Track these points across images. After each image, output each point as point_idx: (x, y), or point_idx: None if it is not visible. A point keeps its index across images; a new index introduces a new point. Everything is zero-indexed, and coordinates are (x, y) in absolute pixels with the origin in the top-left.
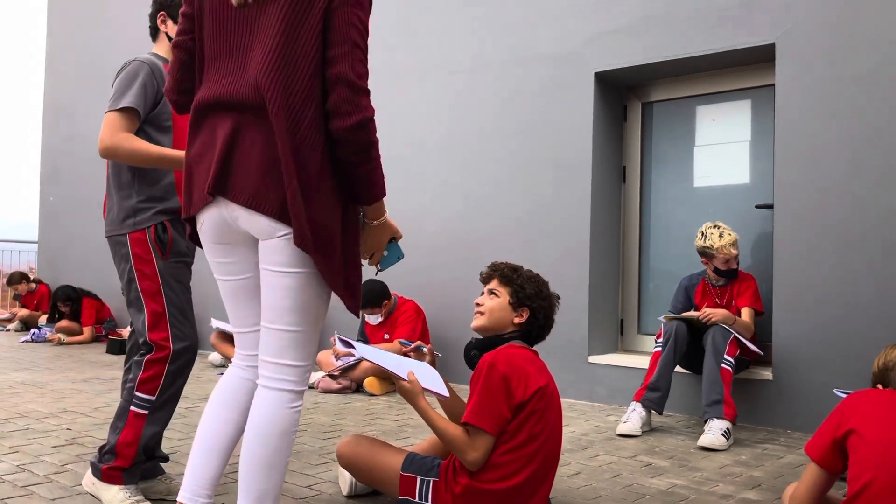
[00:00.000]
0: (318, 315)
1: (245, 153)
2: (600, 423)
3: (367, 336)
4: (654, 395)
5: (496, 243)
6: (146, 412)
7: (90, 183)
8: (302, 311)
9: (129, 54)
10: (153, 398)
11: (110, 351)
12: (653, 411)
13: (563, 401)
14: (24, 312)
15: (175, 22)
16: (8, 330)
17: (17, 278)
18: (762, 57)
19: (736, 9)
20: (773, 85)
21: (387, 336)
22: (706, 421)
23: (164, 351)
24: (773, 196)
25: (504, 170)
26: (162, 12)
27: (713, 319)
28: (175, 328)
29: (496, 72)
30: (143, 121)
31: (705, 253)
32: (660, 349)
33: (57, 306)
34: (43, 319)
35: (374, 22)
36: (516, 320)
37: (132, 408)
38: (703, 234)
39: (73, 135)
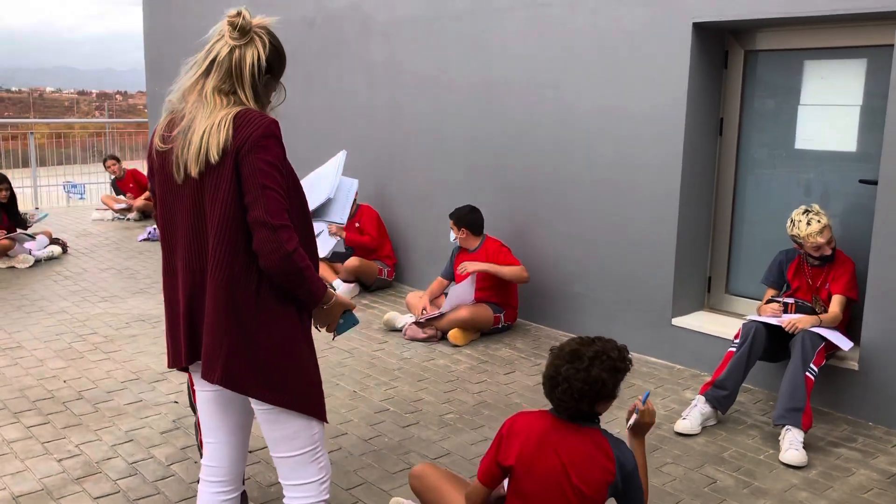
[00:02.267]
0: (312, 435)
1: (200, 320)
2: (676, 402)
3: (453, 267)
4: (720, 392)
5: (582, 190)
6: None
7: None
8: (293, 438)
9: None
10: None
11: None
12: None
13: (642, 358)
14: (139, 202)
15: None
16: (128, 219)
17: (108, 157)
18: (884, 13)
19: None
20: (893, 45)
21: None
22: (782, 427)
23: None
24: (880, 172)
25: (593, 113)
26: None
27: (799, 327)
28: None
29: (588, 9)
30: None
31: (794, 240)
32: (734, 349)
33: None
34: None
35: None
36: None
37: None
38: (792, 220)
39: (171, 25)
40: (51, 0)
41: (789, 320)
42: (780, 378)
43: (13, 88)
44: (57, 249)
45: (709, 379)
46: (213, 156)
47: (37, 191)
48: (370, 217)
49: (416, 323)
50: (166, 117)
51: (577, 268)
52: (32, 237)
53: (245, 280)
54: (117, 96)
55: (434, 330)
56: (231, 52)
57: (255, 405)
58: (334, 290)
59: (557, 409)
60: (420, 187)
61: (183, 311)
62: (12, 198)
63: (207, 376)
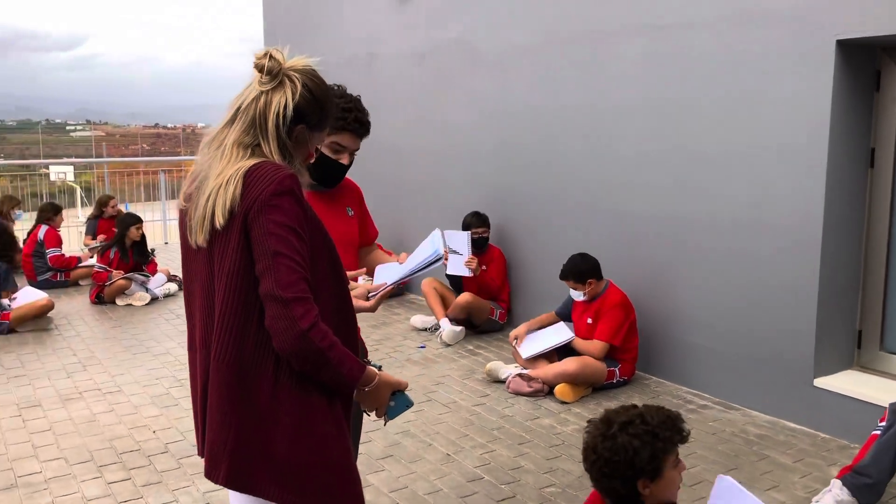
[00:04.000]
0: None
1: (209, 409)
2: (818, 481)
3: (569, 312)
4: (861, 480)
5: (707, 231)
6: None
7: None
8: None
9: None
10: None
11: None
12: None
13: (778, 423)
14: None
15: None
16: None
17: None
18: None
19: None
20: None
21: (589, 321)
22: None
23: None
24: None
25: (718, 145)
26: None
27: None
28: None
29: (714, 31)
30: None
31: None
32: (878, 433)
33: None
34: None
35: None
36: None
37: None
38: None
39: None
40: (201, 41)
41: None
42: None
43: (169, 125)
44: (174, 287)
45: (851, 460)
46: (219, 219)
47: (166, 224)
48: (499, 261)
49: (521, 375)
50: (191, 172)
51: (704, 317)
52: (148, 277)
53: (257, 364)
54: None
55: (540, 384)
56: (257, 98)
57: None
58: (378, 366)
59: (598, 489)
60: (531, 227)
61: (200, 394)
62: (143, 237)
63: (211, 475)
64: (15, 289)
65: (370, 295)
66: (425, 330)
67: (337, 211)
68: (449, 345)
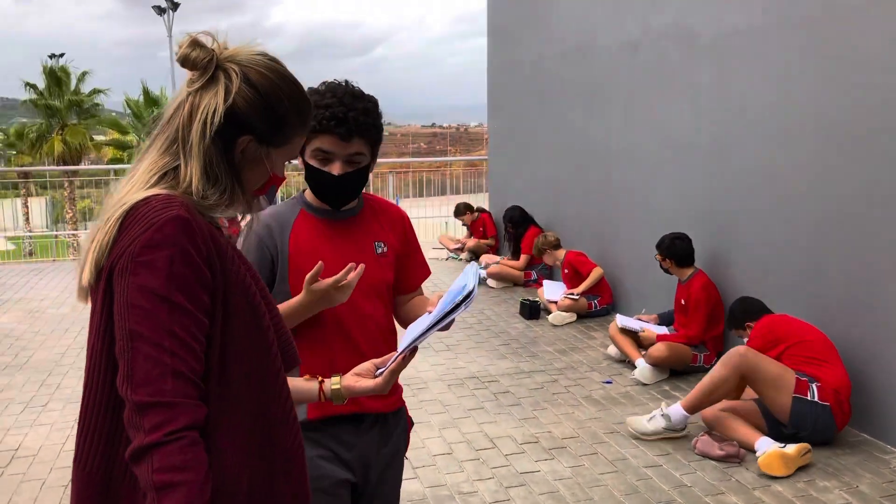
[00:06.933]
0: None
1: None
2: None
3: None
4: None
5: None
6: None
7: (529, 108)
8: None
9: None
10: None
11: (521, 313)
12: None
13: None
14: (472, 242)
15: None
16: (461, 259)
17: (461, 209)
18: None
19: None
20: None
21: None
22: None
23: None
24: None
25: None
26: None
27: None
28: None
29: None
30: None
31: None
32: None
33: (506, 227)
34: (485, 259)
35: None
36: None
37: None
38: None
39: (514, 59)
40: (469, 43)
41: None
42: None
43: (444, 125)
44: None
45: None
46: (84, 275)
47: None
48: (706, 293)
49: (711, 434)
50: None
51: None
52: None
53: (132, 476)
54: None
55: (736, 448)
56: (182, 103)
57: None
58: None
59: None
60: (753, 247)
61: None
62: None
63: None
64: None
65: (377, 372)
66: (622, 362)
67: (358, 245)
68: (645, 384)
